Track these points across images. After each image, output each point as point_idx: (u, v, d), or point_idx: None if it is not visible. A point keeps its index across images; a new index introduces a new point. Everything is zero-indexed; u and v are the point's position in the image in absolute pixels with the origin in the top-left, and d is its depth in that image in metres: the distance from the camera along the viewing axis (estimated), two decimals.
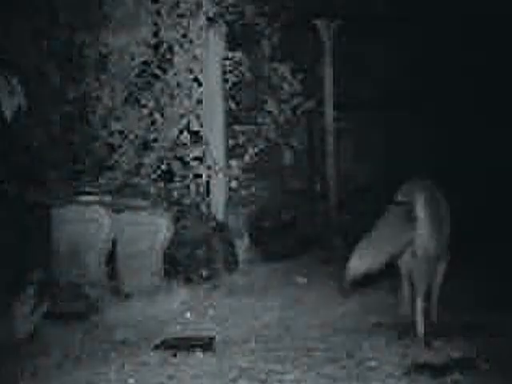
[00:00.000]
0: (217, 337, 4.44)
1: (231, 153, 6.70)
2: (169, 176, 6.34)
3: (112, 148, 6.34)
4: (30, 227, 5.53)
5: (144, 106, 6.34)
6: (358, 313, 4.94)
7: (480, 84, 7.69)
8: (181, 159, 6.35)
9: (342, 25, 7.46)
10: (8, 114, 3.76)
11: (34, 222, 5.57)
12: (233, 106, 6.73)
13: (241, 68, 6.64)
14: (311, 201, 7.80)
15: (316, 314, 4.94)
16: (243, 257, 6.41)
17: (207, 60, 6.37)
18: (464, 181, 7.15)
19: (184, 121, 6.34)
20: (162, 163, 6.31)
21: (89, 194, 5.88)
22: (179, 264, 5.82)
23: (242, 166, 6.74)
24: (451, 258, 4.35)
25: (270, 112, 7.13)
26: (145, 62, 6.33)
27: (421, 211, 3.92)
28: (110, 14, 6.32)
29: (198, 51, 6.33)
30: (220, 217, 6.37)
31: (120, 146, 6.31)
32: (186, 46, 6.33)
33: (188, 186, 6.33)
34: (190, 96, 6.34)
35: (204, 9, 6.25)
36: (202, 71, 6.36)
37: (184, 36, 6.32)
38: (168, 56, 6.34)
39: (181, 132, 6.34)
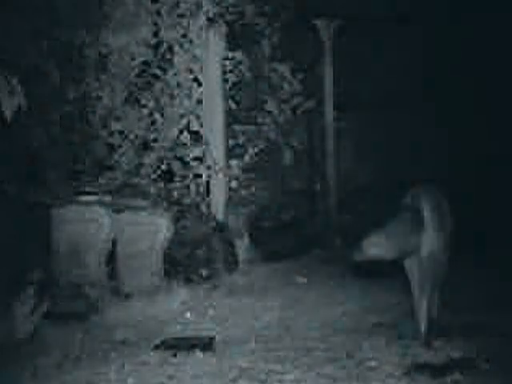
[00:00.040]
0: (217, 337, 4.44)
1: (231, 153, 6.70)
2: (169, 176, 6.34)
3: (112, 148, 6.34)
4: (30, 227, 5.53)
5: (144, 106, 6.34)
6: (357, 313, 4.93)
7: (480, 84, 7.69)
8: (181, 159, 6.35)
9: (342, 25, 7.47)
10: (8, 113, 3.75)
11: (34, 222, 5.56)
12: (233, 106, 6.73)
13: (241, 68, 6.65)
14: (311, 201, 7.80)
15: (316, 314, 4.94)
16: (243, 257, 6.41)
17: (207, 60, 6.37)
18: (464, 181, 7.16)
19: (184, 121, 6.34)
20: (162, 163, 6.32)
21: (89, 193, 5.88)
22: (179, 264, 5.82)
23: (241, 165, 6.74)
24: (451, 258, 4.36)
25: (269, 112, 7.14)
26: (145, 62, 6.34)
27: (428, 216, 4.04)
28: (110, 14, 6.32)
29: (197, 51, 6.34)
30: (220, 217, 6.37)
31: (120, 146, 6.32)
32: (186, 45, 6.33)
33: (188, 186, 6.33)
34: (189, 96, 6.34)
35: (204, 9, 6.25)
36: (202, 71, 6.36)
37: (184, 36, 6.32)
38: (168, 56, 6.34)
39: (181, 132, 6.34)
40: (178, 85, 6.33)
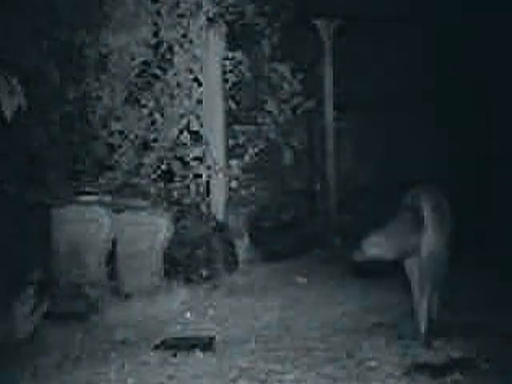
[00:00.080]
0: (217, 337, 4.44)
1: (231, 153, 6.70)
2: (169, 176, 6.34)
3: (112, 148, 6.34)
4: (30, 227, 5.52)
5: (144, 106, 6.34)
6: (357, 313, 4.93)
7: (480, 84, 7.69)
8: (181, 159, 6.35)
9: (341, 25, 7.47)
10: (8, 113, 3.75)
11: (34, 222, 5.56)
12: (233, 106, 6.73)
13: (241, 68, 6.65)
14: (311, 201, 7.80)
15: (316, 314, 4.94)
16: (243, 257, 6.41)
17: (207, 60, 6.37)
18: (464, 181, 7.16)
19: (184, 121, 6.34)
20: (162, 163, 6.32)
21: (89, 193, 5.88)
22: (179, 264, 5.82)
23: (241, 165, 6.74)
24: (451, 258, 4.36)
25: (269, 112, 7.14)
26: (145, 62, 6.33)
27: (428, 216, 4.04)
28: (110, 14, 6.31)
29: (197, 51, 6.33)
30: (220, 217, 6.37)
31: (120, 146, 6.31)
32: (186, 46, 6.33)
33: (188, 186, 6.33)
34: (189, 96, 6.34)
35: (204, 9, 6.25)
36: (202, 71, 6.36)
37: (184, 36, 6.32)
38: (168, 56, 6.34)
39: (181, 132, 6.34)
40: (178, 85, 6.33)
